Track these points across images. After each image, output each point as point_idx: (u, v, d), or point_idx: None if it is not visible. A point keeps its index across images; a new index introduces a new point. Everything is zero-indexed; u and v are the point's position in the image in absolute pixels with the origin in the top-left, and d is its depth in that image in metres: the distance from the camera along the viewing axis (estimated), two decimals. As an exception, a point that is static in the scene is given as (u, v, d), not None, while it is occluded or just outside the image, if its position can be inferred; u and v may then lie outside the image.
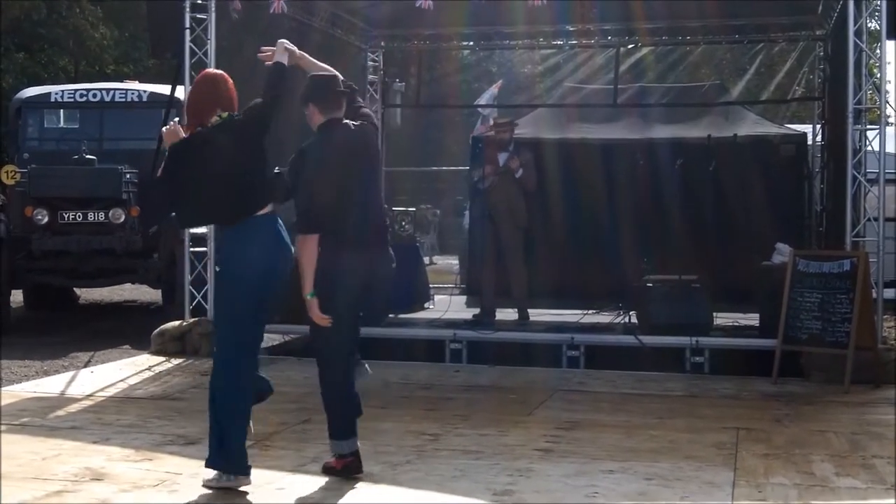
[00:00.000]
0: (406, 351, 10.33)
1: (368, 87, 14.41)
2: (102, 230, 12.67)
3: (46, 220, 12.64)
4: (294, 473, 6.00)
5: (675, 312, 10.26)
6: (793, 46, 14.91)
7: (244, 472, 5.62)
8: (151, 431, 7.02)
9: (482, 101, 17.05)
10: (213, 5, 10.56)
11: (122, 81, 16.55)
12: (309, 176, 5.70)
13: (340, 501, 5.52)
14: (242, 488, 5.60)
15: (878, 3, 9.63)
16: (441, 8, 11.28)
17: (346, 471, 5.84)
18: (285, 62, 5.87)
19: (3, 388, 8.68)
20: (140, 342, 11.11)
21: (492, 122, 13.13)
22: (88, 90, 14.32)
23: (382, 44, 14.61)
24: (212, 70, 6.13)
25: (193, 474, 5.92)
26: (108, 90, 14.25)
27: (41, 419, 7.47)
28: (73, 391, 8.62)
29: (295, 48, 5.94)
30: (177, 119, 5.92)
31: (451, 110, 29.99)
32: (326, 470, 5.91)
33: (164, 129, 5.70)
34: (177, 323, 10.69)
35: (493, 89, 17.55)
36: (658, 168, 12.94)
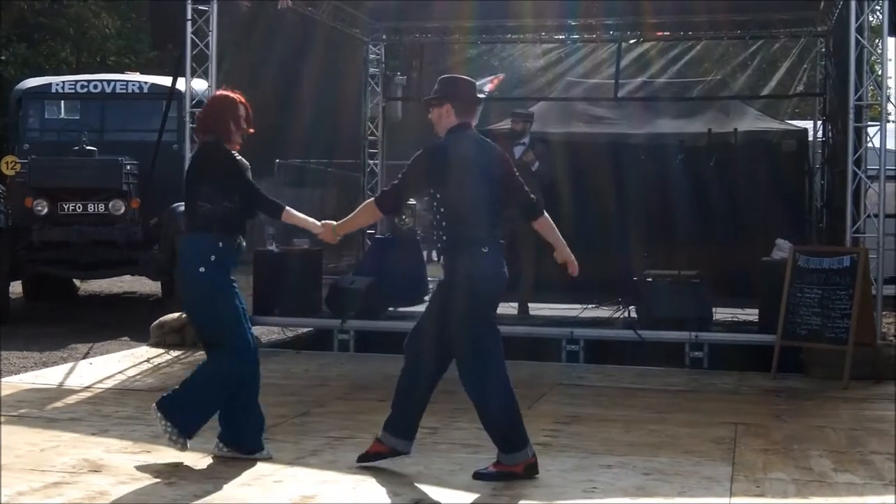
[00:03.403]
0: (406, 344, 10.33)
1: (370, 79, 14.41)
2: (102, 221, 12.67)
3: (47, 210, 12.64)
4: (293, 466, 5.99)
5: (674, 307, 10.26)
6: (794, 43, 14.91)
7: None
8: (150, 423, 6.97)
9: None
10: (214, -3, 10.55)
11: (123, 73, 16.54)
12: (429, 175, 5.77)
13: (339, 495, 5.52)
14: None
15: (880, -1, 9.62)
16: (450, 3, 11.32)
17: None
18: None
19: (1, 379, 8.68)
20: (139, 334, 11.11)
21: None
22: (89, 81, 14.31)
23: (384, 37, 14.60)
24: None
25: (191, 466, 5.92)
26: (109, 81, 14.25)
27: (39, 410, 7.47)
28: (71, 382, 8.62)
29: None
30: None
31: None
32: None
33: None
34: (176, 315, 10.68)
35: (487, 81, 17.46)
36: (659, 163, 12.95)
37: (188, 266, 6.03)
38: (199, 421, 6.08)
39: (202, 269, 5.95)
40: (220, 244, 5.96)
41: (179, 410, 6.02)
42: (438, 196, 5.78)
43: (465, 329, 5.69)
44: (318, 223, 6.20)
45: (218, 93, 6.54)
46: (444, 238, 5.78)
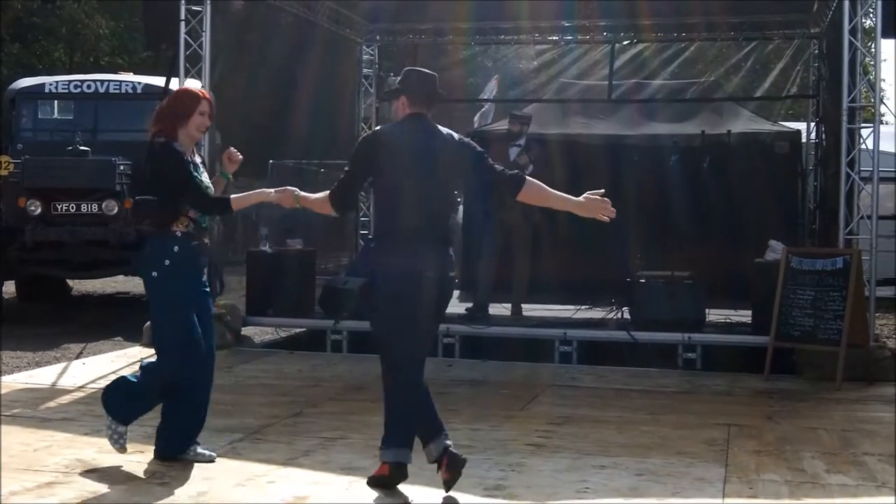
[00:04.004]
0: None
1: (363, 80, 14.41)
2: (96, 221, 12.66)
3: (40, 210, 12.63)
4: (285, 467, 6.00)
5: (667, 308, 10.27)
6: (787, 44, 14.93)
7: None
8: (143, 424, 6.96)
9: (483, 95, 17.07)
10: (208, -3, 10.55)
11: (116, 73, 16.51)
12: (367, 163, 5.59)
13: (331, 496, 5.51)
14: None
15: (873, 1, 9.64)
16: (445, 4, 11.30)
17: (378, 480, 5.55)
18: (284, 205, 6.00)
19: (-4, 379, 8.68)
20: (132, 334, 11.09)
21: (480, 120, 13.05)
22: (83, 81, 14.29)
23: (378, 38, 14.60)
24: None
25: (184, 467, 5.91)
26: (102, 81, 14.23)
27: (32, 410, 7.46)
28: (64, 382, 8.61)
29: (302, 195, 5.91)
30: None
31: (447, 105, 29.95)
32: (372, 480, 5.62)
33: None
34: (169, 315, 10.65)
35: (493, 84, 17.54)
36: (652, 164, 12.94)
37: (146, 269, 5.98)
38: (136, 412, 6.14)
39: (155, 274, 5.91)
40: (176, 248, 5.88)
41: (119, 400, 6.12)
42: (373, 183, 5.67)
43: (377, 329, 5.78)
44: (272, 190, 5.96)
45: (181, 88, 6.52)
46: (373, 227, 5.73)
